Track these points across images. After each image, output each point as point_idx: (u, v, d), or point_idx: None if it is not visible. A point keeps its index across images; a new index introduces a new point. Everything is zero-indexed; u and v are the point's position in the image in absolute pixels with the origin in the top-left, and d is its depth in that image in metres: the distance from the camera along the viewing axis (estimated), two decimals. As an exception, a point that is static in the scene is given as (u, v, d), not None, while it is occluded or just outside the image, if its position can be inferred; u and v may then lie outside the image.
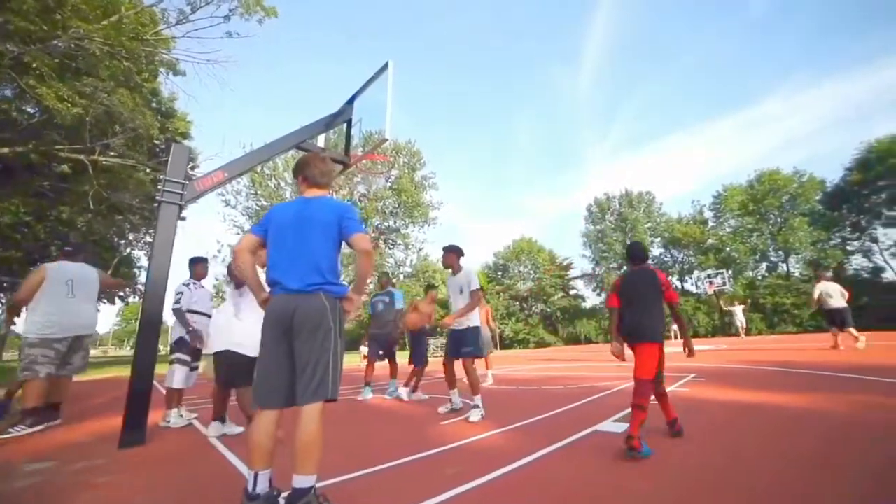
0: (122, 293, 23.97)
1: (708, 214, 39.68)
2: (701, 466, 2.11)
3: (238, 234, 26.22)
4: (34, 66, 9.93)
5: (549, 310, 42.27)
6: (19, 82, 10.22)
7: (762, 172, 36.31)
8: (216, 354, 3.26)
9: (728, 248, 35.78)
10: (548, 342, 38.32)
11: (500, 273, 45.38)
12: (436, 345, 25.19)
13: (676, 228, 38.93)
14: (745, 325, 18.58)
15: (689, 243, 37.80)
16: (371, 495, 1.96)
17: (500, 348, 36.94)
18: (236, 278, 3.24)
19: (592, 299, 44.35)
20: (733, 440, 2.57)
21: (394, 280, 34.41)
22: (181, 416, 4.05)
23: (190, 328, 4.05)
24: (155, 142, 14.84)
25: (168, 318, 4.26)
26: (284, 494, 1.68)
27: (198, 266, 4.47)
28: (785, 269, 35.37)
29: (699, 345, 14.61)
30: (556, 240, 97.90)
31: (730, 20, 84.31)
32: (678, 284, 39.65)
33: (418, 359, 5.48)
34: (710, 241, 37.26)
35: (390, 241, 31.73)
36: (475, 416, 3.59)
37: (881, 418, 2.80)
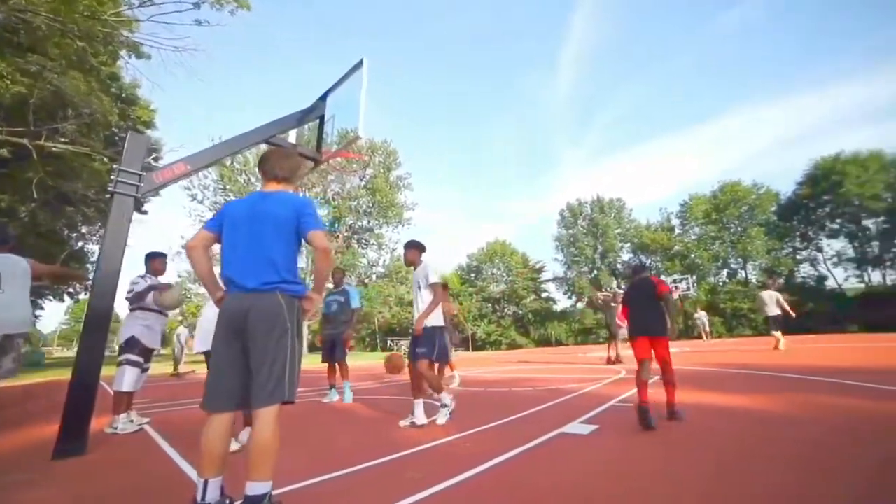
0: (71, 289, 22.41)
1: (675, 222, 41.42)
2: (666, 467, 2.16)
3: (204, 230, 25.12)
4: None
5: (521, 312, 42.89)
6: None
7: (725, 183, 38.27)
8: (205, 354, 3.12)
9: (693, 255, 37.45)
10: (519, 344, 38.84)
11: (473, 275, 45.65)
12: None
13: (645, 235, 40.38)
14: (708, 329, 19.53)
15: (657, 249, 39.30)
16: (327, 502, 1.89)
17: (472, 349, 37.14)
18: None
19: (563, 302, 45.35)
20: (705, 444, 2.64)
21: (366, 280, 34.04)
22: (131, 420, 3.81)
23: (155, 285, 3.93)
24: (114, 129, 13.84)
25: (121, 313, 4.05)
26: (238, 503, 1.60)
27: (155, 261, 4.22)
28: (744, 275, 37.39)
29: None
30: (529, 243, 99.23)
31: (698, 34, 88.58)
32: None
33: (442, 354, 5.54)
34: (676, 247, 38.88)
35: (364, 241, 31.31)
36: (442, 418, 3.44)
37: (844, 419, 2.97)
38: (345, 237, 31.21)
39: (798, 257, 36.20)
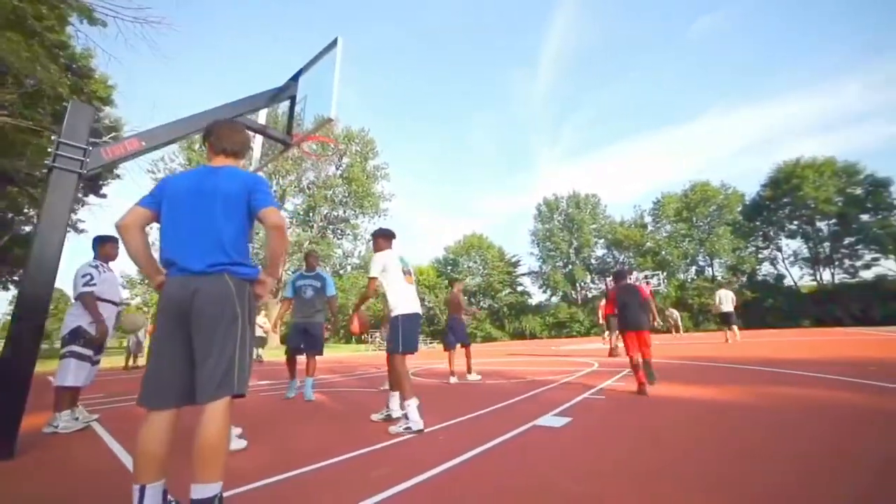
0: (17, 276, 20.86)
1: (648, 219, 42.72)
2: (638, 459, 2.13)
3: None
4: None
5: (496, 305, 43.34)
6: None
7: (695, 183, 39.73)
8: None
9: (664, 252, 38.77)
10: (494, 337, 39.30)
11: (449, 268, 45.72)
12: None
13: (619, 231, 41.48)
14: (680, 325, 20.52)
15: (630, 245, 40.47)
16: (286, 502, 1.75)
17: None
18: None
19: (538, 296, 46.15)
20: (678, 434, 2.65)
21: (340, 271, 33.46)
22: (76, 418, 3.50)
23: (99, 319, 3.52)
24: (64, 104, 12.80)
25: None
26: None
27: (107, 245, 3.86)
28: (710, 272, 39.07)
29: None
30: (505, 237, 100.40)
31: (672, 42, 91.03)
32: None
33: (464, 338, 6.28)
34: (648, 244, 40.14)
35: (339, 231, 30.69)
36: (397, 427, 2.93)
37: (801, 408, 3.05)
38: (320, 227, 30.50)
39: (760, 256, 38.12)
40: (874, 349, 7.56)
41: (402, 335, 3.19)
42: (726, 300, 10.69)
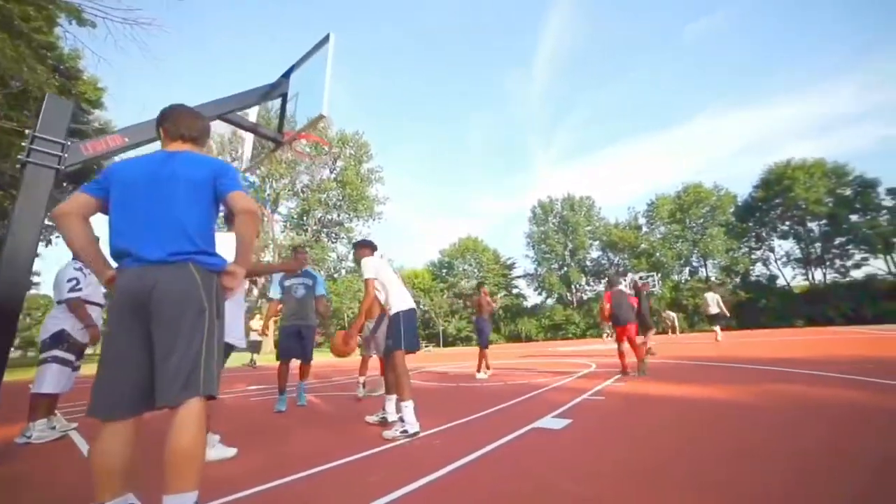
0: None
1: (642, 221, 42.93)
2: (639, 459, 2.03)
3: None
4: None
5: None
6: None
7: (688, 185, 40.04)
8: None
9: (658, 253, 38.96)
10: (490, 340, 39.19)
11: (444, 271, 45.62)
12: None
13: (613, 233, 41.64)
14: (676, 325, 20.70)
15: (625, 247, 40.63)
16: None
17: (443, 345, 37.11)
18: None
19: (533, 298, 46.13)
20: (676, 434, 2.55)
21: (335, 274, 33.22)
22: (53, 427, 3.33)
23: (92, 323, 3.40)
24: (51, 105, 12.53)
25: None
26: None
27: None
28: (704, 273, 39.31)
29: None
30: (500, 240, 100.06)
31: (665, 43, 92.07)
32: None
33: (485, 341, 7.06)
34: (642, 245, 40.31)
35: (333, 235, 30.49)
36: (392, 432, 2.75)
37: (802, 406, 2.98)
38: (314, 230, 30.29)
39: (753, 256, 38.42)
40: (867, 347, 7.56)
41: (405, 330, 3.11)
42: (713, 302, 11.60)
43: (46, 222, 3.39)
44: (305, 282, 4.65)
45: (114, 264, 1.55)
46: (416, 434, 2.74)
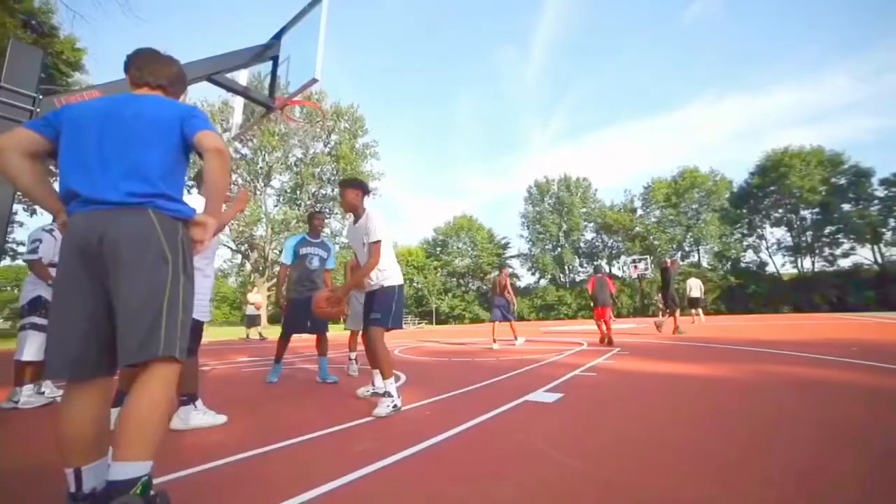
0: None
1: (637, 204, 42.86)
2: (629, 431, 2.03)
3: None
4: None
5: (485, 287, 43.50)
6: None
7: (684, 169, 39.83)
8: None
9: (651, 237, 39.10)
10: (482, 318, 39.57)
11: (438, 249, 45.54)
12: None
13: (608, 215, 41.56)
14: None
15: (619, 230, 40.67)
16: (253, 481, 1.59)
17: (436, 323, 37.49)
18: None
19: (527, 278, 46.43)
20: (656, 407, 2.57)
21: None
22: (41, 392, 3.29)
23: (50, 282, 3.26)
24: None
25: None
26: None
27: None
28: (696, 258, 39.66)
29: (623, 323, 16.69)
30: (495, 219, 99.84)
31: (663, 27, 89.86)
32: (606, 268, 42.88)
33: (509, 314, 7.93)
34: (637, 228, 40.37)
35: (327, 210, 30.12)
36: (382, 409, 2.60)
37: (774, 381, 3.01)
38: (307, 205, 29.88)
39: (745, 243, 38.73)
40: (853, 331, 7.74)
41: (396, 308, 2.89)
42: (695, 287, 12.90)
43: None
44: (321, 253, 4.36)
45: None
46: (397, 408, 2.67)
